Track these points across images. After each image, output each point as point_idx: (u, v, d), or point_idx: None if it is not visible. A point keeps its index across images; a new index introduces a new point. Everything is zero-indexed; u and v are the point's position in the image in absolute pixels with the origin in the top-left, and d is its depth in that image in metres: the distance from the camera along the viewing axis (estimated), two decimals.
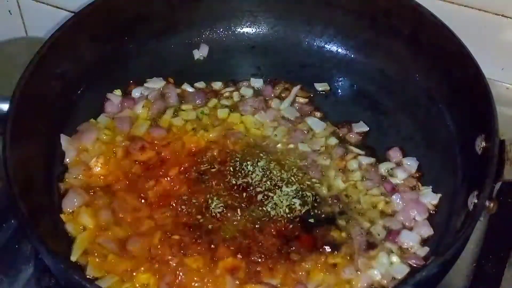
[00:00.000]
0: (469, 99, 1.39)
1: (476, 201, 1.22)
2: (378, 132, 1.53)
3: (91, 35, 1.54)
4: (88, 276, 1.25)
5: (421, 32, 1.52)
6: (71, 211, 1.36)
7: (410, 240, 1.33)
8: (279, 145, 1.48)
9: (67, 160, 1.44)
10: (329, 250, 1.30)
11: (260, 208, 1.36)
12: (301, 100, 1.58)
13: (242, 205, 1.36)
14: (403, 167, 1.45)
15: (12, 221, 1.41)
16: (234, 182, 1.40)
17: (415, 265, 1.29)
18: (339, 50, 1.66)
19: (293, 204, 1.37)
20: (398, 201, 1.39)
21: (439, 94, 1.51)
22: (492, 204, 1.21)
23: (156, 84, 1.60)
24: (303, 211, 1.36)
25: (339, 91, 1.62)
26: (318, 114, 1.55)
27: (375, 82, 1.61)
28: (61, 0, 1.91)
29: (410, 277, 1.23)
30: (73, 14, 1.60)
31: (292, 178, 1.41)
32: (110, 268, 1.27)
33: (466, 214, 1.25)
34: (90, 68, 1.55)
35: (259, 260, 1.28)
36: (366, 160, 1.46)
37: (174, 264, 1.27)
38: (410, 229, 1.35)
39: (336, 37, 1.66)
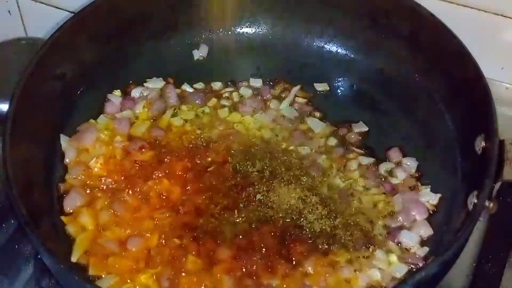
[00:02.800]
0: (469, 99, 1.39)
1: (475, 201, 1.22)
2: (377, 132, 1.53)
3: (91, 35, 1.54)
4: (88, 277, 1.25)
5: (420, 32, 1.52)
6: (71, 211, 1.36)
7: (410, 240, 1.33)
8: (278, 145, 1.48)
9: (67, 160, 1.44)
10: (329, 250, 1.30)
11: (259, 208, 1.36)
12: (301, 100, 1.58)
13: (241, 205, 1.37)
14: (402, 167, 1.45)
15: (12, 221, 1.41)
16: (233, 182, 1.40)
17: (414, 265, 1.29)
18: (339, 50, 1.66)
19: (293, 204, 1.37)
20: (397, 201, 1.39)
21: (438, 94, 1.51)
22: (491, 204, 1.21)
23: (155, 84, 1.60)
24: (303, 210, 1.36)
25: (339, 91, 1.62)
26: (317, 114, 1.56)
27: (375, 82, 1.61)
28: (61, 0, 1.91)
29: (409, 277, 1.23)
30: (73, 14, 1.60)
31: (292, 178, 1.41)
32: (110, 268, 1.27)
33: (466, 214, 1.25)
34: (90, 68, 1.55)
35: (258, 260, 1.28)
36: (365, 160, 1.46)
37: (173, 264, 1.27)
38: (410, 229, 1.35)
39: (335, 37, 1.66)
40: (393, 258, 1.30)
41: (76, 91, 1.53)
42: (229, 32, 1.70)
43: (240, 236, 1.32)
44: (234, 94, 1.59)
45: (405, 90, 1.57)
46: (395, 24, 1.55)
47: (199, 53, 1.68)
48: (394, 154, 1.47)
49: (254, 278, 1.26)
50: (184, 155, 1.45)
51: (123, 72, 1.61)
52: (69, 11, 1.90)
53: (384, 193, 1.41)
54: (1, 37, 1.91)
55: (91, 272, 1.27)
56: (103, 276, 1.26)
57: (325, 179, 1.43)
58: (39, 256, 1.34)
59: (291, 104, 1.58)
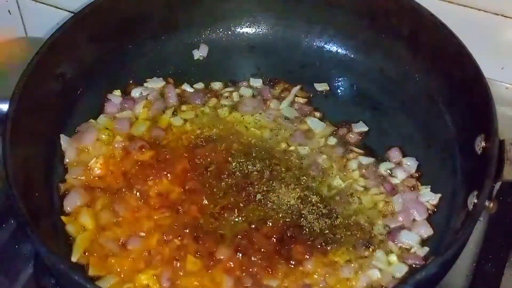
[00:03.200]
0: (469, 99, 1.39)
1: (475, 201, 1.22)
2: (377, 132, 1.53)
3: (91, 35, 1.54)
4: (88, 277, 1.25)
5: (420, 32, 1.52)
6: (71, 211, 1.36)
7: (410, 240, 1.33)
8: (278, 145, 1.49)
9: (67, 160, 1.44)
10: (329, 249, 1.30)
11: (259, 208, 1.36)
12: (301, 100, 1.58)
13: (241, 205, 1.37)
14: (402, 167, 1.45)
15: (12, 221, 1.41)
16: (233, 182, 1.40)
17: (415, 265, 1.29)
18: (339, 50, 1.67)
19: (293, 204, 1.37)
20: (398, 201, 1.39)
21: (439, 94, 1.51)
22: (491, 204, 1.21)
23: (155, 84, 1.60)
24: (303, 210, 1.36)
25: (339, 91, 1.62)
26: (317, 114, 1.56)
27: (375, 82, 1.61)
28: (61, 0, 1.91)
29: (409, 277, 1.23)
30: (73, 14, 1.60)
31: (292, 178, 1.41)
32: (111, 268, 1.27)
33: (466, 214, 1.25)
34: (89, 68, 1.55)
35: (258, 260, 1.28)
36: (365, 160, 1.46)
37: (173, 264, 1.27)
38: (410, 229, 1.35)
39: (335, 37, 1.66)
40: (393, 258, 1.30)
41: (76, 91, 1.53)
42: (229, 32, 1.70)
43: (240, 236, 1.32)
44: (234, 94, 1.59)
45: (405, 90, 1.57)
46: (395, 24, 1.55)
47: (199, 53, 1.68)
48: (394, 154, 1.47)
49: (254, 278, 1.26)
50: (184, 155, 1.45)
51: (123, 72, 1.61)
52: (69, 11, 1.90)
53: (384, 193, 1.41)
54: (1, 37, 1.91)
55: (91, 272, 1.26)
56: (103, 276, 1.26)
57: (325, 179, 1.43)
58: (39, 256, 1.34)
59: (291, 104, 1.58)
